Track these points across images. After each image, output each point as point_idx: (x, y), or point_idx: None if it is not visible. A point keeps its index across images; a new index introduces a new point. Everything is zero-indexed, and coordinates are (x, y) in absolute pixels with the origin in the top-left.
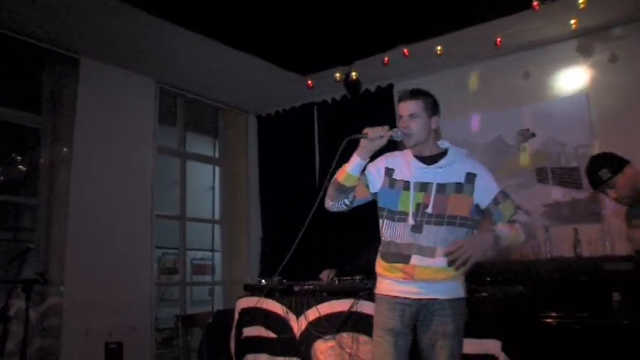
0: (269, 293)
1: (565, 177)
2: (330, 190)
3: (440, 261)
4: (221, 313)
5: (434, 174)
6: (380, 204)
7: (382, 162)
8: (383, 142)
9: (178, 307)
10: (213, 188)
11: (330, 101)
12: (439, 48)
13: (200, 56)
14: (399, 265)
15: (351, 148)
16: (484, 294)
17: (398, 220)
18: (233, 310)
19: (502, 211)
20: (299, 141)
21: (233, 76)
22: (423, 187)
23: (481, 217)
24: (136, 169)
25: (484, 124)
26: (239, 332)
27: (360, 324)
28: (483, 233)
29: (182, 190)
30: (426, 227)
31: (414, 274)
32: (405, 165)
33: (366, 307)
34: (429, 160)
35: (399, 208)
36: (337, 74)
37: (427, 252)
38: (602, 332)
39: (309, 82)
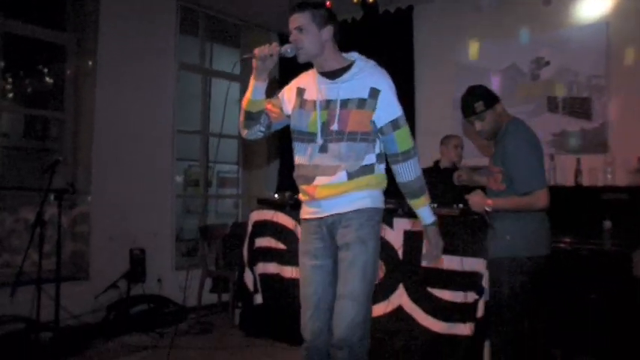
0: (281, 207)
1: (576, 107)
2: (241, 118)
3: (339, 176)
4: (238, 225)
5: (337, 89)
6: (291, 126)
7: (295, 82)
8: (274, 60)
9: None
10: (240, 101)
11: (350, 21)
12: None
13: None
14: (304, 187)
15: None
16: (475, 216)
17: (307, 142)
18: (247, 223)
19: (397, 140)
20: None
21: None
22: (327, 104)
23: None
24: (158, 83)
25: (499, 50)
26: (251, 243)
27: None
28: (430, 234)
29: (204, 106)
30: (329, 146)
31: (315, 194)
32: (312, 83)
33: None
34: (333, 74)
35: (308, 129)
36: None
37: (329, 171)
38: (588, 257)
39: (328, 2)
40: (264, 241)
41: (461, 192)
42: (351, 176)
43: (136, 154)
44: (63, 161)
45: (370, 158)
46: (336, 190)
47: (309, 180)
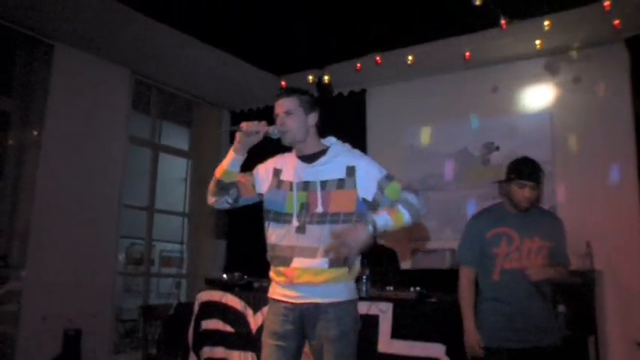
0: (229, 288)
1: None
2: (211, 186)
3: (320, 262)
4: (182, 306)
5: (315, 172)
6: (266, 206)
7: (272, 163)
8: (259, 137)
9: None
10: (185, 179)
11: None
12: (410, 58)
13: (176, 51)
14: (281, 269)
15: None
16: (433, 299)
17: (283, 222)
18: (193, 303)
19: (389, 197)
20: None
21: (209, 72)
22: (306, 186)
23: (370, 210)
24: (106, 157)
25: (451, 134)
26: (197, 325)
27: None
28: (359, 225)
29: (152, 181)
30: (308, 227)
31: (294, 278)
32: (290, 165)
33: None
34: (311, 158)
35: (285, 209)
36: (310, 77)
37: (308, 253)
38: None
39: (283, 82)
40: (211, 324)
41: (418, 274)
42: (332, 264)
43: (78, 228)
44: None
45: None
46: (315, 277)
47: (287, 261)
